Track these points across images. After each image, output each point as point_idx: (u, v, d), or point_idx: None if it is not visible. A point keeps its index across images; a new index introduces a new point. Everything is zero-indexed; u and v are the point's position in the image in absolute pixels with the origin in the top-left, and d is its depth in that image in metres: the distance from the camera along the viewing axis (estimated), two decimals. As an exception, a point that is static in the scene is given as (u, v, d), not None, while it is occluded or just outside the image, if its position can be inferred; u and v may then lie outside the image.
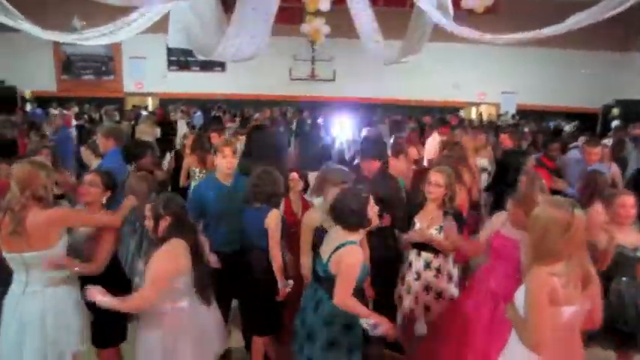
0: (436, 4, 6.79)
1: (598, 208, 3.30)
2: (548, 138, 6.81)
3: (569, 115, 15.39)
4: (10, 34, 10.92)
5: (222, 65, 16.36)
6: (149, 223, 2.60)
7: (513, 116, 16.19)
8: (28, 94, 14.67)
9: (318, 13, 8.21)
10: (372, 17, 6.48)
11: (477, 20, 8.11)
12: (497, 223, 3.14)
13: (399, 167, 4.27)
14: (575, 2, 4.43)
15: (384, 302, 3.43)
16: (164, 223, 2.55)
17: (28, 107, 12.81)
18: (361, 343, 2.69)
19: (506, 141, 5.72)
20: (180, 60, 16.21)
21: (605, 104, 16.28)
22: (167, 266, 2.49)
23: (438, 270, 3.30)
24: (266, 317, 3.15)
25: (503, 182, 4.78)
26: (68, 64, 16.18)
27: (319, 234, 3.04)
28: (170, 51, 15.54)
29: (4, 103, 11.71)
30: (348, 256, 2.48)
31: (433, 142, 6.23)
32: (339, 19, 7.91)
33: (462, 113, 16.81)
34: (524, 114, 15.88)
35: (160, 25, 6.47)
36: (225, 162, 3.47)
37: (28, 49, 14.73)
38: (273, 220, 3.05)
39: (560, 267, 1.95)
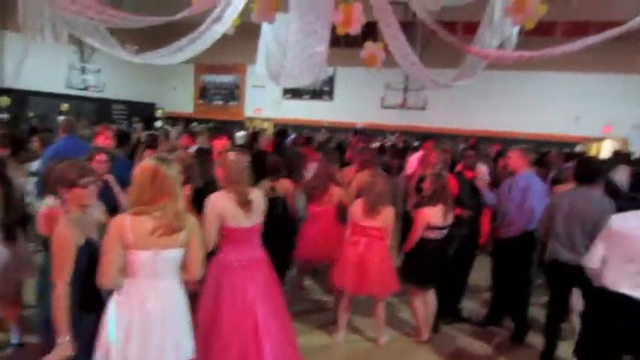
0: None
1: None
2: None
3: None
4: (159, 67, 14.19)
5: (330, 94, 17.58)
6: None
7: None
8: (160, 113, 17.90)
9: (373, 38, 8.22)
10: (403, 41, 6.40)
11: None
12: None
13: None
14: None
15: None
16: None
17: (159, 123, 15.70)
18: None
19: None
20: (293, 89, 17.86)
21: None
22: None
23: None
24: None
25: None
26: (204, 90, 19.17)
27: None
28: (285, 81, 17.26)
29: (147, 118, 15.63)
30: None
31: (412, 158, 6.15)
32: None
33: (579, 148, 14.92)
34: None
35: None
36: None
37: (175, 78, 18.26)
38: None
39: (149, 216, 2.16)
